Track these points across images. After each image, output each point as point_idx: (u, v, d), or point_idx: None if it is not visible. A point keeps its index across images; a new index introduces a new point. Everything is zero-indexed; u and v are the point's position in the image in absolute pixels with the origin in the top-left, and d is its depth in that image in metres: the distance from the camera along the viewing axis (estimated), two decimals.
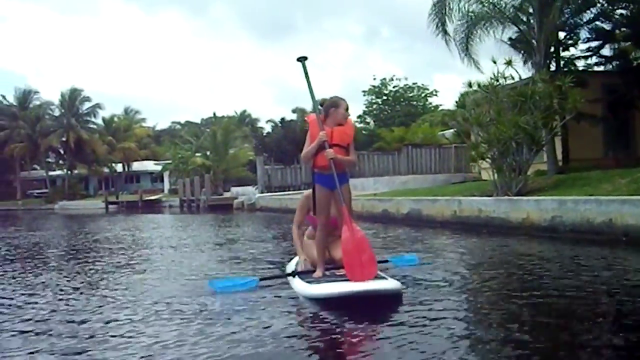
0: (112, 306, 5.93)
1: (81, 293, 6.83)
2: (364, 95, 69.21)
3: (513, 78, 15.18)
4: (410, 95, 69.00)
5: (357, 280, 5.54)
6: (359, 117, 68.28)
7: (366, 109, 69.30)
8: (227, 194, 43.56)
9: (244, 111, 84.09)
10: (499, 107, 14.37)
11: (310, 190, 6.61)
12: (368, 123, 67.19)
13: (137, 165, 79.49)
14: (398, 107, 66.50)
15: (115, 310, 5.68)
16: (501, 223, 12.60)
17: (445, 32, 19.19)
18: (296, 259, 7.13)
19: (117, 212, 46.34)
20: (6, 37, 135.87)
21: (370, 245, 5.95)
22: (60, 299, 6.43)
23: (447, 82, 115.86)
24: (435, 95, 69.76)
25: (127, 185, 77.75)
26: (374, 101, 69.25)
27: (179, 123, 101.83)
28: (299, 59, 6.47)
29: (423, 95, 69.98)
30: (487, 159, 15.05)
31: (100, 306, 5.93)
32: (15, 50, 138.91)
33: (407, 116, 61.20)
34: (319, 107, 6.34)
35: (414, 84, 69.15)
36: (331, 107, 6.21)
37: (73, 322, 5.27)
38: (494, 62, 14.91)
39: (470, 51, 19.15)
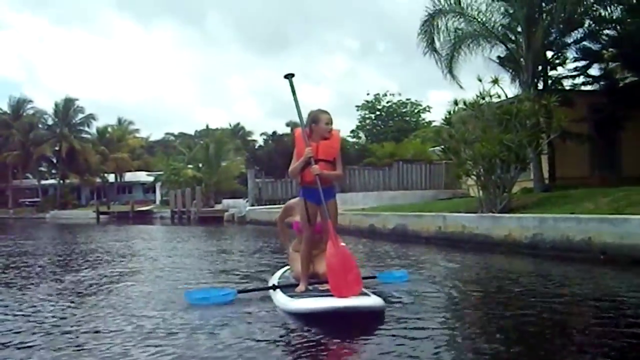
0: (89, 318, 5.98)
1: (66, 302, 6.90)
2: (357, 110, 69.56)
3: (499, 96, 15.32)
4: (404, 110, 69.25)
5: (341, 296, 5.55)
6: (352, 131, 68.54)
7: (359, 124, 69.53)
8: (218, 206, 43.70)
9: (238, 124, 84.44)
10: (484, 125, 14.53)
11: (295, 199, 6.73)
12: (360, 138, 67.35)
13: (129, 176, 79.71)
14: (391, 123, 66.73)
15: (94, 322, 5.73)
16: (484, 239, 12.73)
17: (435, 50, 19.36)
18: (279, 272, 7.17)
19: (108, 222, 46.36)
20: (2, 45, 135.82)
21: (355, 261, 5.97)
22: (41, 310, 6.47)
23: (442, 98, 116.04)
24: (429, 111, 69.88)
25: (119, 195, 77.91)
26: (367, 116, 69.49)
27: (172, 134, 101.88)
28: (286, 76, 6.51)
29: (416, 111, 70.21)
30: (473, 176, 15.17)
31: (82, 317, 5.99)
32: (11, 58, 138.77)
33: (399, 131, 61.42)
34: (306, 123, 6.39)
35: (407, 99, 69.48)
36: (312, 123, 6.23)
37: (54, 333, 5.33)
38: (479, 80, 15.08)
39: (454, 69, 19.29)
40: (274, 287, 6.66)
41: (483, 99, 14.96)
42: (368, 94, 69.88)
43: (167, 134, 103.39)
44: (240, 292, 6.85)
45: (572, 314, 5.87)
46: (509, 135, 14.10)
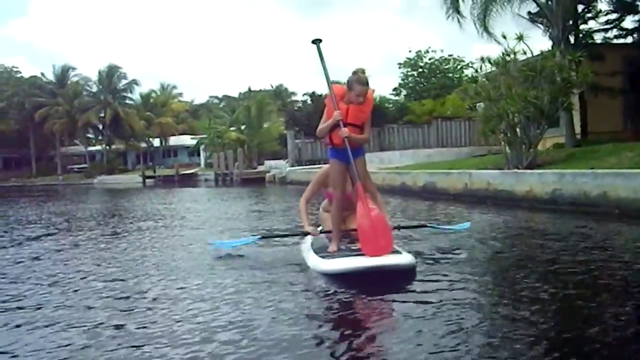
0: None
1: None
2: (399, 67, 68.71)
3: (525, 53, 15.32)
4: (446, 67, 68.27)
5: (372, 255, 5.60)
6: (395, 89, 68.03)
7: (402, 82, 68.93)
8: (261, 168, 44.33)
9: (281, 85, 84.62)
10: (508, 82, 14.63)
11: (329, 167, 6.68)
12: (400, 96, 66.81)
13: (174, 140, 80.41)
14: (434, 80, 65.98)
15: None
16: (507, 196, 12.97)
17: (458, 12, 19.34)
18: (310, 237, 7.14)
19: (154, 185, 47.32)
20: (44, 15, 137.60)
21: (386, 220, 6.02)
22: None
23: (487, 52, 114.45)
24: (472, 67, 68.85)
25: (164, 159, 78.77)
26: (409, 74, 68.79)
27: (216, 97, 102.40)
28: (313, 41, 6.49)
29: (459, 67, 69.29)
30: (500, 133, 15.33)
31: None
32: (54, 28, 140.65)
33: (442, 88, 60.76)
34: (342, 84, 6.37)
35: (449, 55, 68.43)
36: (348, 88, 6.18)
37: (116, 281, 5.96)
38: (504, 38, 15.17)
39: (488, 26, 19.20)
40: (304, 234, 7.03)
41: (508, 55, 15.03)
42: (410, 51, 69.18)
43: (211, 96, 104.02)
44: (263, 237, 7.37)
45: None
46: (533, 91, 14.20)
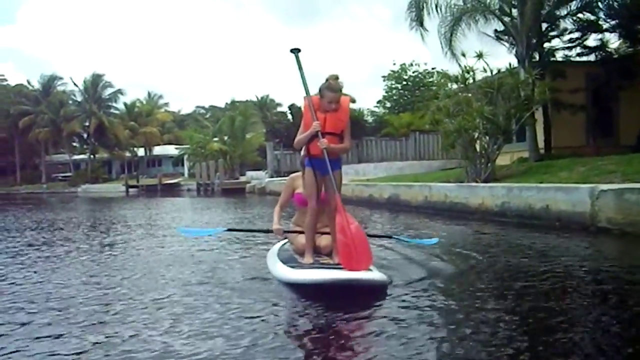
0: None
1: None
2: (384, 80, 69.36)
3: (485, 70, 15.88)
4: (430, 80, 68.95)
5: (351, 269, 5.48)
6: (379, 102, 68.61)
7: (386, 94, 69.50)
8: (243, 178, 44.83)
9: (267, 95, 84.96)
10: (468, 99, 15.16)
11: (299, 172, 6.61)
12: (383, 107, 67.38)
13: (158, 150, 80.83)
14: (418, 93, 66.56)
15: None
16: (462, 208, 13.43)
17: (422, 26, 19.83)
18: (278, 245, 7.12)
19: (137, 195, 47.66)
20: (32, 22, 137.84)
21: (365, 237, 5.84)
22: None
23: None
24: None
25: (149, 169, 79.22)
26: (393, 86, 69.37)
27: (203, 107, 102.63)
28: (292, 50, 6.27)
29: (443, 80, 69.73)
30: (458, 147, 15.84)
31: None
32: (42, 36, 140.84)
33: (427, 101, 61.24)
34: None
35: (433, 69, 69.18)
36: (320, 95, 6.02)
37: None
38: (463, 55, 15.75)
39: (453, 46, 19.69)
40: (268, 231, 7.01)
41: (468, 72, 15.57)
42: (394, 64, 69.78)
43: (197, 107, 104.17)
44: (229, 230, 7.48)
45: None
46: (490, 107, 14.73)
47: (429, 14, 19.59)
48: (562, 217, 10.32)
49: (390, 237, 7.90)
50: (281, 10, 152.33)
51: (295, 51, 6.24)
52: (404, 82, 68.09)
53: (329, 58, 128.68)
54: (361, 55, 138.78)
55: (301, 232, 6.54)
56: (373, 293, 5.31)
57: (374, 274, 5.54)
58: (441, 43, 19.97)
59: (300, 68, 6.18)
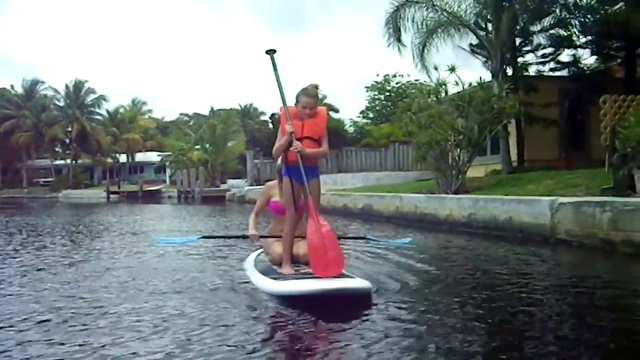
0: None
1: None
2: (367, 91, 69.63)
3: (457, 84, 16.18)
4: (413, 91, 69.12)
5: (322, 274, 5.53)
6: (362, 112, 68.88)
7: (368, 105, 69.76)
8: (224, 186, 45.00)
9: (251, 104, 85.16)
10: (439, 111, 15.44)
11: (275, 181, 6.65)
12: (365, 118, 67.62)
13: (140, 156, 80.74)
14: (400, 103, 66.67)
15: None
16: (432, 219, 13.72)
17: (399, 41, 20.09)
18: (253, 254, 7.14)
19: (118, 201, 47.68)
20: (17, 26, 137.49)
21: (337, 240, 5.89)
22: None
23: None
24: (445, 90, 69.85)
25: (130, 175, 79.06)
26: (376, 97, 69.63)
27: (187, 115, 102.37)
28: (267, 52, 6.18)
29: (432, 90, 69.97)
30: (430, 159, 16.12)
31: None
32: (26, 41, 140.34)
33: (401, 113, 61.43)
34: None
35: (416, 80, 69.47)
36: (296, 102, 6.04)
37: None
38: (436, 69, 16.03)
39: (424, 59, 19.87)
40: (243, 237, 6.97)
41: (440, 86, 15.87)
42: (378, 75, 70.08)
43: (181, 114, 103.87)
44: (204, 237, 7.51)
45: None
46: (461, 120, 15.04)
47: (405, 30, 19.82)
48: (524, 228, 10.63)
49: (364, 238, 8.02)
50: (268, 19, 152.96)
51: (271, 52, 6.17)
52: (387, 93, 68.32)
53: (314, 67, 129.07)
54: (347, 65, 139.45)
55: (278, 237, 6.51)
56: (357, 301, 5.26)
57: (358, 282, 5.53)
58: (413, 55, 20.20)
59: (275, 69, 6.13)
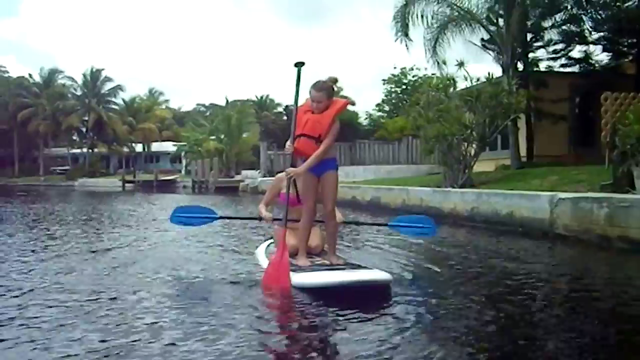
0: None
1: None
2: (383, 84, 69.50)
3: (466, 79, 16.30)
4: (421, 84, 68.85)
5: (264, 282, 5.68)
6: (378, 105, 68.82)
7: (385, 98, 69.63)
8: (238, 177, 45.23)
9: (267, 95, 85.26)
10: (447, 106, 15.55)
11: (283, 173, 6.54)
12: (386, 111, 67.50)
13: (156, 146, 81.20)
14: (410, 98, 66.45)
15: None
16: (436, 212, 13.81)
17: (406, 36, 20.19)
18: (264, 245, 7.24)
19: (133, 190, 48.05)
20: (36, 15, 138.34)
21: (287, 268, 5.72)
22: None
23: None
24: (454, 85, 69.67)
25: (146, 165, 79.58)
26: (392, 90, 69.44)
27: (203, 105, 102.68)
28: (296, 64, 6.12)
29: (441, 85, 69.77)
30: (439, 153, 16.26)
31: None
32: (45, 29, 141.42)
33: (409, 107, 61.21)
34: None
35: (433, 74, 69.14)
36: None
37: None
38: (444, 64, 16.13)
39: (437, 54, 20.00)
40: (259, 219, 6.84)
41: (449, 80, 15.99)
42: (395, 68, 69.89)
43: (198, 104, 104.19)
44: (221, 217, 7.50)
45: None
46: (469, 115, 15.16)
47: (413, 24, 19.86)
48: (524, 223, 10.75)
49: (385, 224, 7.90)
50: (286, 10, 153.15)
51: (299, 65, 6.13)
52: (404, 87, 68.06)
53: (333, 60, 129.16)
54: (364, 57, 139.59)
55: (295, 221, 6.32)
56: (377, 292, 5.25)
57: (378, 274, 5.51)
58: (425, 50, 20.30)
59: (298, 83, 6.09)
